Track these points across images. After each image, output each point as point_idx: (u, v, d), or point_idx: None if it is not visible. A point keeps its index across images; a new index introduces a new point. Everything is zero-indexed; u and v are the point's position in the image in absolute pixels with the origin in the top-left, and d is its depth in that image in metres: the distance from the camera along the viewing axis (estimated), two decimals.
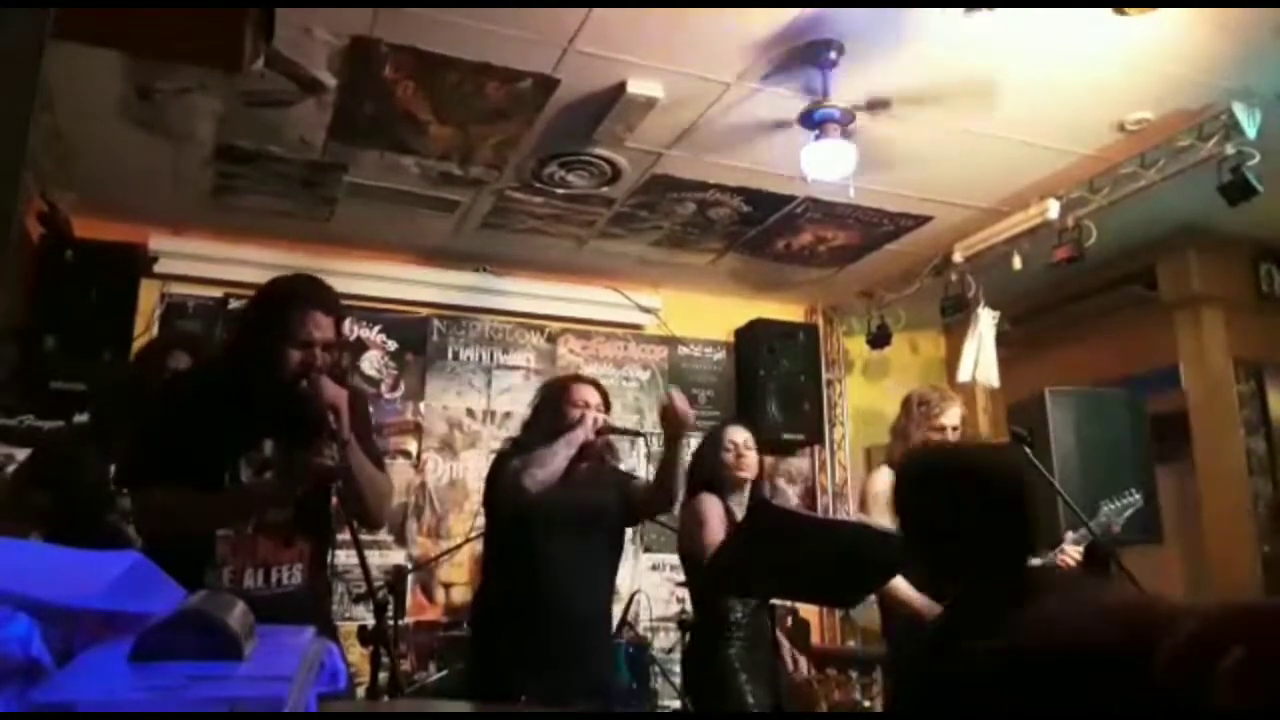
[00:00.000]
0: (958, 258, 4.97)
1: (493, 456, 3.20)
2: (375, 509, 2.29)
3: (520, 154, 4.15)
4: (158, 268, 4.75)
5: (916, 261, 5.33)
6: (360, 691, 2.53)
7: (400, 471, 5.00)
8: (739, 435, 3.28)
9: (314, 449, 2.09)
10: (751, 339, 5.82)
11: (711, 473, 3.21)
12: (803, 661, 3.58)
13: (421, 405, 5.26)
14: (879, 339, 5.75)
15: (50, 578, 0.84)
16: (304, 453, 2.10)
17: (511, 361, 5.51)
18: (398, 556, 4.95)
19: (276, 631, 0.91)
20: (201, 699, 0.70)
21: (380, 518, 2.47)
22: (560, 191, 4.53)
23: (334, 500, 2.25)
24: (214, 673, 0.75)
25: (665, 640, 5.01)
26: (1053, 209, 4.33)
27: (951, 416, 3.26)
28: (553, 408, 2.95)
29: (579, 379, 3.15)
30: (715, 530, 3.04)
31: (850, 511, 5.61)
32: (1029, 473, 2.38)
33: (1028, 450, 3.35)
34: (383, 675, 2.44)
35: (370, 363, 5.18)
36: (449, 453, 5.25)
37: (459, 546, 4.90)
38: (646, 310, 5.75)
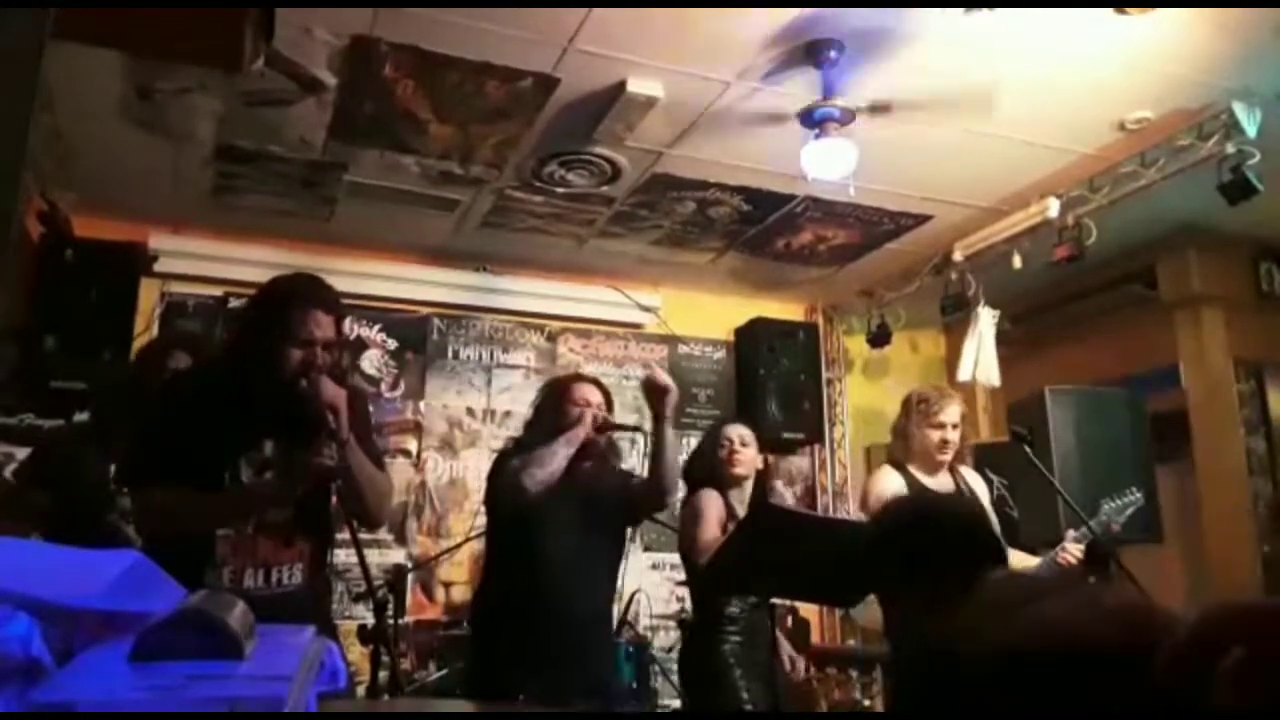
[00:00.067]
0: (958, 257, 4.97)
1: (493, 456, 3.21)
2: (375, 508, 2.29)
3: (520, 153, 4.15)
4: (158, 267, 4.75)
5: (916, 260, 5.33)
6: (360, 690, 2.53)
7: (400, 471, 5.00)
8: (735, 432, 3.31)
9: (314, 449, 2.09)
10: (751, 338, 5.82)
11: (710, 469, 3.24)
12: (799, 662, 3.58)
13: (421, 404, 5.26)
14: (879, 338, 5.75)
15: (50, 577, 0.84)
16: (304, 452, 2.10)
17: (511, 360, 5.51)
18: (398, 555, 4.95)
19: (276, 631, 0.91)
20: (201, 699, 0.69)
21: (380, 517, 2.47)
22: (560, 190, 4.52)
23: (334, 500, 2.25)
24: (214, 672, 0.75)
25: (665, 639, 5.01)
26: (1053, 208, 4.33)
27: (951, 414, 3.26)
28: (554, 407, 2.95)
29: (580, 378, 3.15)
30: (711, 525, 3.05)
31: (850, 511, 5.61)
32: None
33: (1028, 449, 3.37)
34: (383, 674, 2.44)
35: (370, 362, 5.19)
36: (449, 452, 5.25)
37: (459, 546, 4.90)
38: (646, 309, 5.76)
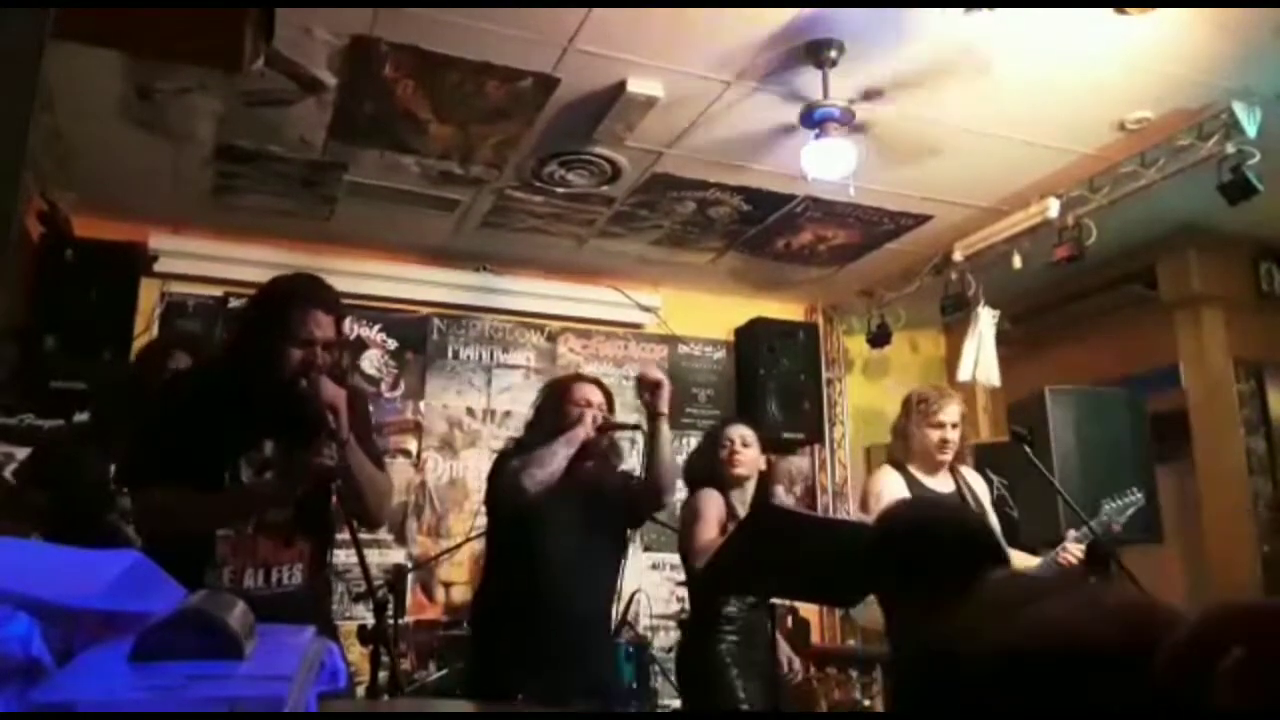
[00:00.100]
0: (958, 257, 4.97)
1: (493, 456, 3.21)
2: (375, 508, 2.30)
3: (520, 153, 4.15)
4: (158, 267, 4.75)
5: (916, 260, 5.33)
6: (360, 690, 2.53)
7: (400, 470, 5.00)
8: (737, 432, 3.31)
9: (314, 449, 2.09)
10: (751, 338, 5.82)
11: (711, 469, 3.24)
12: (797, 662, 3.58)
13: (421, 404, 5.26)
14: (879, 338, 5.75)
15: (50, 577, 0.84)
16: (304, 452, 2.11)
17: (511, 360, 5.51)
18: (398, 555, 4.95)
19: (276, 631, 0.91)
20: (201, 699, 0.69)
21: (380, 517, 2.47)
22: (560, 190, 4.52)
23: (334, 500, 2.25)
24: (214, 672, 0.75)
25: (665, 639, 5.01)
26: (1053, 208, 4.33)
27: (951, 414, 3.26)
28: (554, 407, 2.95)
29: (581, 378, 3.15)
30: (710, 525, 3.04)
31: (850, 511, 5.61)
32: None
33: (1028, 449, 3.37)
34: (383, 674, 2.44)
35: (370, 361, 5.18)
36: (449, 452, 5.25)
37: (459, 546, 4.90)
38: (646, 309, 5.75)
